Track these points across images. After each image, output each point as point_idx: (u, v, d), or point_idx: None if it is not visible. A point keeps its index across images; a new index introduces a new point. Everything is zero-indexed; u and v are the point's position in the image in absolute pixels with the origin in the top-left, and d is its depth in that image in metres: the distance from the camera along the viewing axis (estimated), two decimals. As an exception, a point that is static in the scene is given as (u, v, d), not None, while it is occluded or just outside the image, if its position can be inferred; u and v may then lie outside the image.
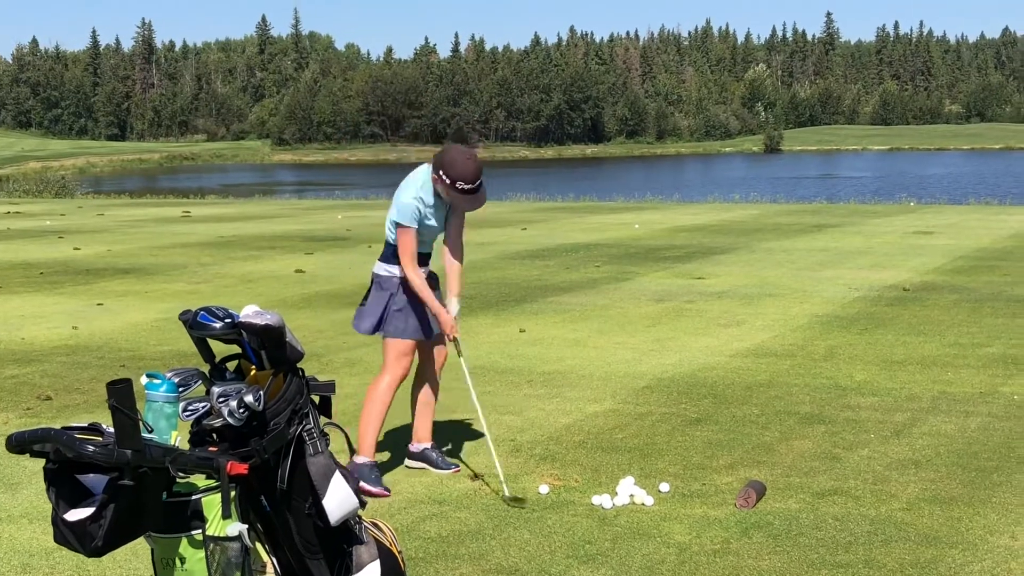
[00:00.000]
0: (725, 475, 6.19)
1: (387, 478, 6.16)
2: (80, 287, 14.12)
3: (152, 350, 10.00)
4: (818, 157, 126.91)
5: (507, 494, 5.84)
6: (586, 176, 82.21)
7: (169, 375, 3.23)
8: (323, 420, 3.42)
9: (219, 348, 3.45)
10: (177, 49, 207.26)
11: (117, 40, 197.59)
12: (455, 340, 6.16)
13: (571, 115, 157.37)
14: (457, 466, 6.44)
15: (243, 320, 3.27)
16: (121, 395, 2.88)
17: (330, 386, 3.45)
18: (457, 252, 6.23)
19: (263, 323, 3.25)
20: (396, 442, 6.83)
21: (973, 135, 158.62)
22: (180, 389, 3.23)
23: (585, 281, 14.23)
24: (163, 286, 14.15)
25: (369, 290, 6.22)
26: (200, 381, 3.30)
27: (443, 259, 6.25)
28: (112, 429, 2.99)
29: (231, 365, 3.49)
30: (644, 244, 18.88)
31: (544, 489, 5.93)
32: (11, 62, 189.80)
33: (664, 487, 5.94)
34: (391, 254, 6.07)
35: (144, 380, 3.18)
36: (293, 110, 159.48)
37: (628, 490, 5.84)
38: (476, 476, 6.25)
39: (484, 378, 8.68)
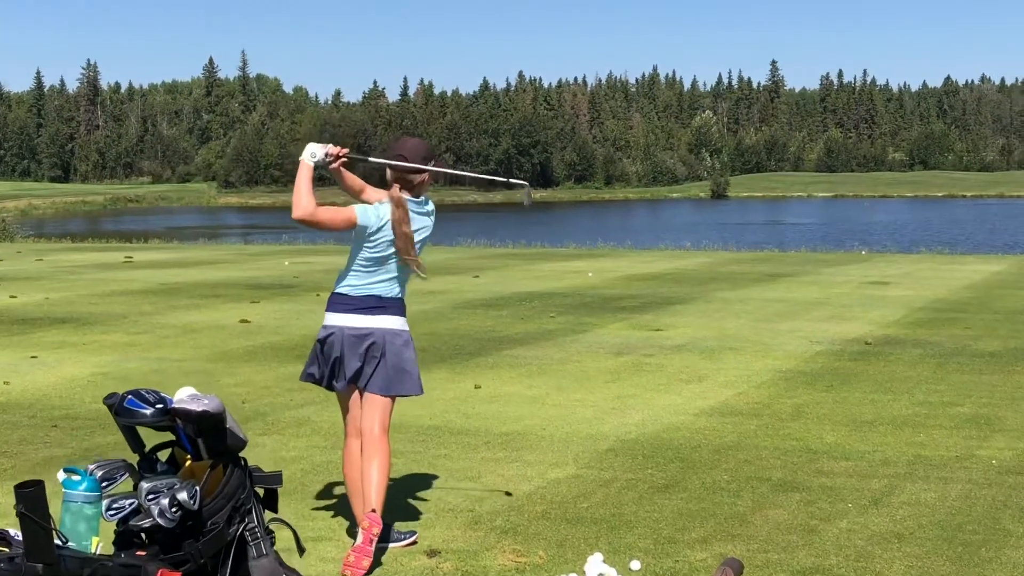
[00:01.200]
0: (699, 550, 5.80)
1: (333, 553, 5.70)
2: (14, 338, 13.53)
3: (87, 408, 9.47)
4: (764, 203, 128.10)
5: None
6: (536, 221, 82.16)
7: (92, 468, 2.81)
8: (268, 515, 3.02)
9: (149, 433, 3.03)
10: (123, 91, 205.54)
11: (62, 81, 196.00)
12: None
13: (520, 160, 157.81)
14: (415, 533, 6.03)
15: (177, 406, 2.86)
16: (31, 500, 2.46)
17: (276, 478, 3.04)
18: None
19: (200, 409, 2.84)
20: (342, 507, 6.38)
21: (916, 182, 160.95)
22: (104, 484, 2.81)
23: (541, 332, 13.85)
24: (101, 337, 13.60)
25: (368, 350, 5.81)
26: (127, 474, 2.88)
27: None
28: (21, 537, 2.56)
29: (163, 454, 3.07)
30: (599, 293, 18.56)
31: None
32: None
33: (635, 565, 5.54)
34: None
35: (61, 476, 2.76)
36: (240, 152, 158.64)
37: (597, 568, 5.42)
38: (433, 553, 5.82)
39: (439, 439, 8.26)
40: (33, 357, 12.06)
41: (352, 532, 6.04)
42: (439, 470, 7.42)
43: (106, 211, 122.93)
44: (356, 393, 5.88)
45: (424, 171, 5.90)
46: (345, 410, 5.97)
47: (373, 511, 5.59)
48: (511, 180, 6.60)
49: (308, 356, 6.04)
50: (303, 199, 5.70)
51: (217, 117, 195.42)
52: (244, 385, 10.50)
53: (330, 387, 5.93)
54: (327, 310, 5.92)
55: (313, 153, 5.83)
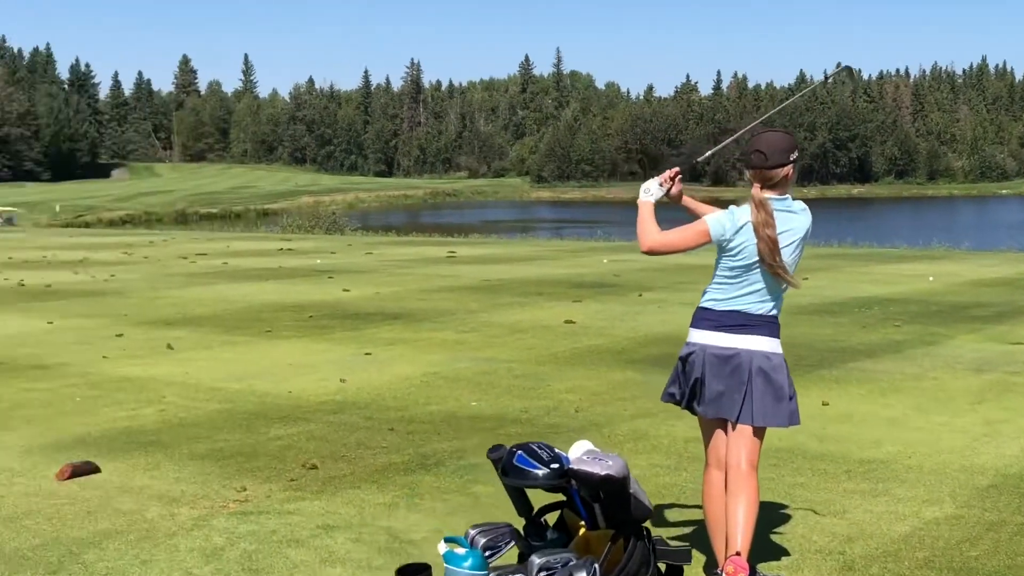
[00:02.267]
0: None
1: (698, 601, 5.12)
2: (348, 333, 13.72)
3: (421, 411, 9.31)
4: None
5: None
6: (855, 217, 79.12)
7: (473, 535, 2.37)
8: (671, 596, 2.50)
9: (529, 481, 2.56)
10: (443, 88, 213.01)
11: (387, 80, 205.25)
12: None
13: (836, 154, 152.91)
14: None
15: (577, 468, 2.37)
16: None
17: (685, 554, 2.52)
18: None
19: (603, 473, 2.34)
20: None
21: None
22: (487, 554, 2.37)
23: (886, 344, 12.82)
24: (431, 334, 13.59)
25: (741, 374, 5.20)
26: (512, 541, 2.44)
27: None
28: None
29: (550, 517, 2.60)
30: (944, 300, 17.18)
31: None
32: (289, 101, 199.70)
33: (1051, 637, 4.69)
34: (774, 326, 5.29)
35: (442, 548, 2.33)
36: (552, 148, 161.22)
37: (1004, 639, 4.62)
38: (804, 603, 5.15)
39: (793, 465, 7.54)
40: (367, 354, 12.12)
41: (710, 571, 5.45)
42: (797, 501, 6.72)
43: (425, 204, 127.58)
44: (720, 420, 5.28)
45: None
46: (707, 437, 5.37)
47: (737, 554, 4.97)
48: (828, 73, 6.19)
49: (670, 374, 5.48)
50: (648, 229, 5.31)
51: (531, 113, 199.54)
52: (575, 391, 10.11)
53: (690, 409, 5.35)
54: (691, 325, 5.35)
55: (647, 189, 5.51)
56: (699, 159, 6.24)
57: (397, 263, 24.37)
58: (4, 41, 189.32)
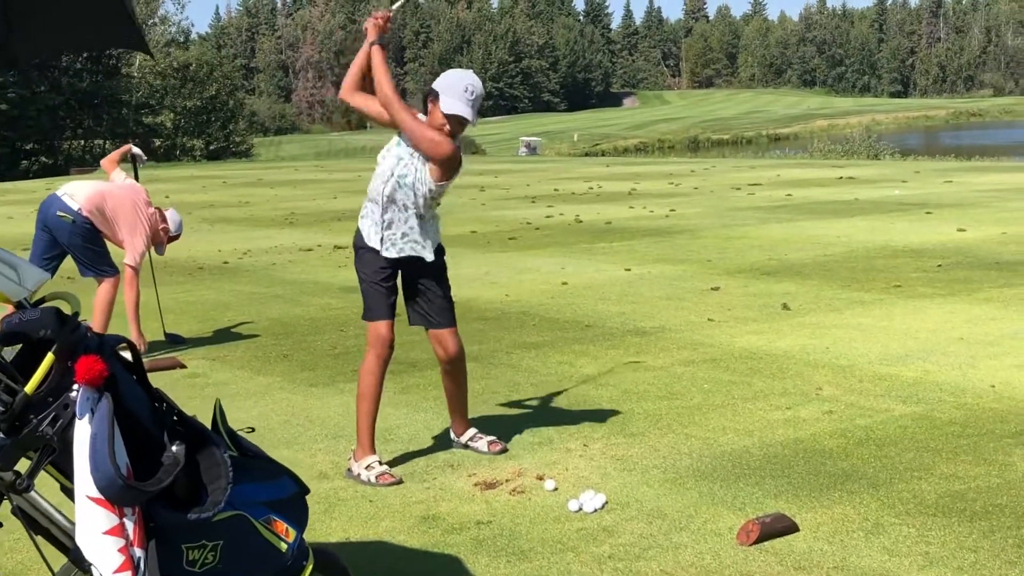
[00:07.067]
0: None
1: None
2: (1005, 291, 10.47)
3: None
4: None
5: None
6: None
7: None
8: None
9: None
10: (965, 2, 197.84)
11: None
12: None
13: None
14: None
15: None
16: None
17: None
18: None
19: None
20: None
21: None
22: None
23: None
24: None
25: None
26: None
27: None
28: None
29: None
30: None
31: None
32: (798, 22, 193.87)
33: None
34: None
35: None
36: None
37: None
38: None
39: None
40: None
41: None
42: None
43: (947, 125, 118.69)
44: None
45: None
46: None
47: None
48: None
49: None
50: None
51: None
52: None
53: None
54: None
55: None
56: None
57: (992, 194, 20.37)
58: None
